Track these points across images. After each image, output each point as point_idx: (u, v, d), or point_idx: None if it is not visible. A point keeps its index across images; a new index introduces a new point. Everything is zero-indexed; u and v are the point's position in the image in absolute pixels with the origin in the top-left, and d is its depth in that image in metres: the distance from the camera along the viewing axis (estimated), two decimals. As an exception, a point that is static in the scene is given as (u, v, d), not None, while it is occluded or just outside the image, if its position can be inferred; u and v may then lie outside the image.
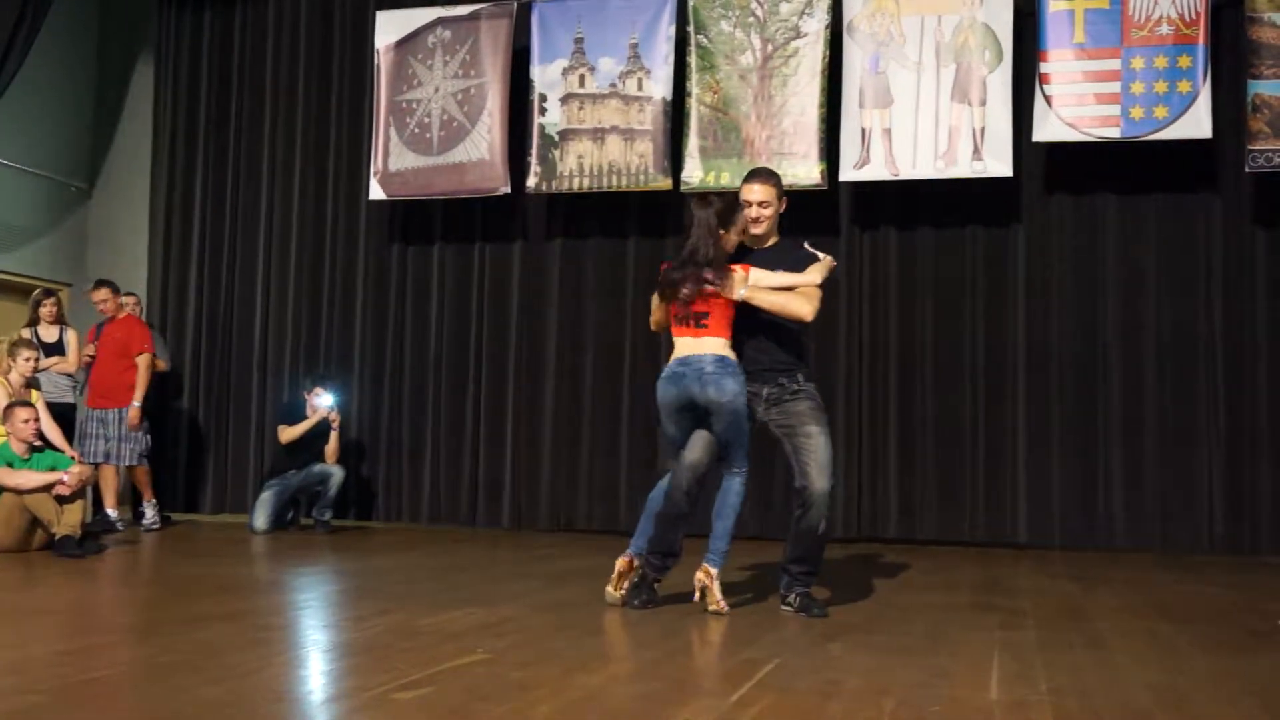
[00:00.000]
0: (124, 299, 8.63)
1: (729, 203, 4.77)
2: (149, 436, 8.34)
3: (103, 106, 10.29)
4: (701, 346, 4.63)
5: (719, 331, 4.65)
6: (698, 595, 4.60)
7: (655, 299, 4.88)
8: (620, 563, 4.80)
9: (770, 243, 4.85)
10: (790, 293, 4.67)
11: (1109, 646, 4.07)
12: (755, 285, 4.64)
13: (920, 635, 4.23)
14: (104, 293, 8.36)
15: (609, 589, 4.77)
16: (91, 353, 8.25)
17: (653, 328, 5.01)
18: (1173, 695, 3.28)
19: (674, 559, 4.83)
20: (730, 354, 4.64)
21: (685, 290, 4.64)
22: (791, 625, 4.40)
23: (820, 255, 4.79)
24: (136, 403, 8.14)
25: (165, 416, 9.12)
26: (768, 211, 4.77)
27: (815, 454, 4.64)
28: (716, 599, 4.57)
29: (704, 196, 4.93)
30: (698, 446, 4.69)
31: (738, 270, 4.65)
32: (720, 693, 3.21)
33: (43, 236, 9.81)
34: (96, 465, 8.07)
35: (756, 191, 4.77)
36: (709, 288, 4.60)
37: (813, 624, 4.42)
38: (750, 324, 4.71)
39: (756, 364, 4.72)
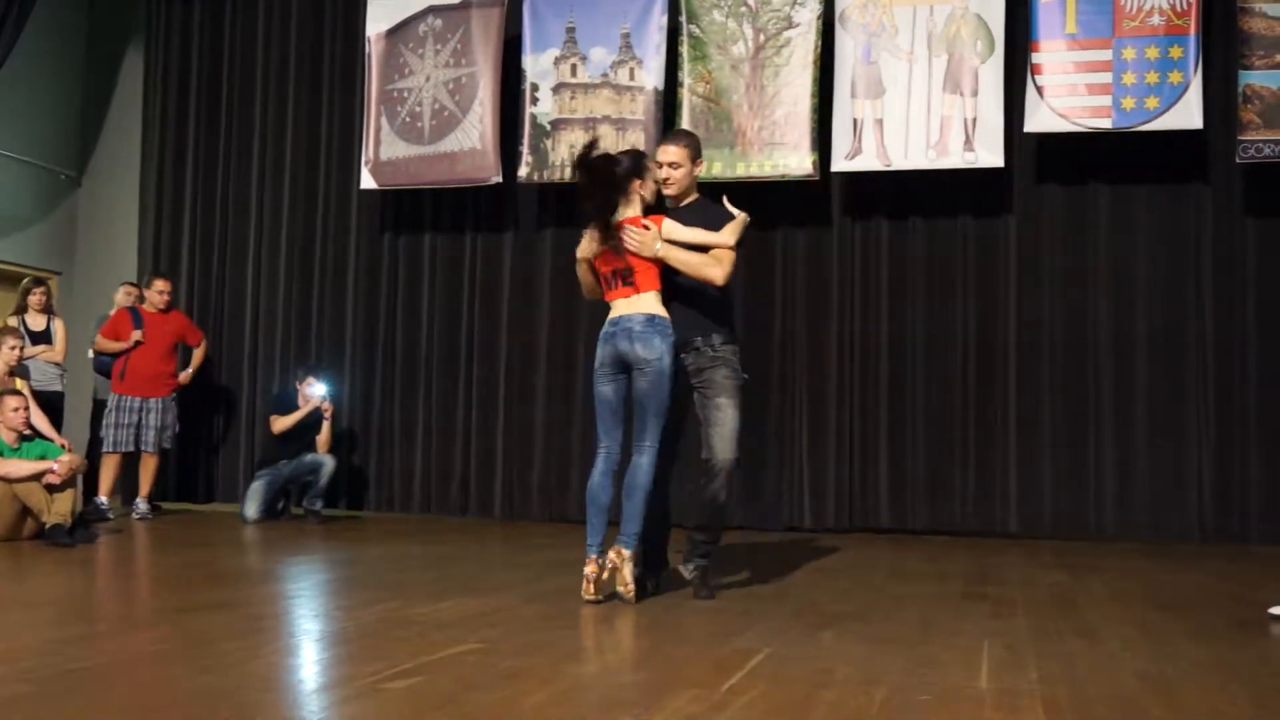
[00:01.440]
0: (129, 289, 8.71)
1: (636, 157, 4.81)
2: (179, 424, 8.50)
3: (92, 94, 10.25)
4: (633, 305, 4.63)
5: (649, 286, 4.64)
6: (606, 574, 4.52)
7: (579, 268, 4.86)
8: (589, 569, 4.56)
9: (688, 201, 4.92)
10: (703, 255, 4.69)
11: (1099, 635, 4.08)
12: (669, 242, 4.64)
13: (911, 624, 4.24)
14: (165, 284, 8.54)
15: (585, 596, 4.56)
16: (139, 338, 8.26)
17: (585, 294, 4.96)
18: (1162, 683, 3.29)
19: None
20: (662, 311, 4.62)
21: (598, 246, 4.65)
22: (782, 614, 4.41)
23: (736, 212, 4.80)
24: (190, 370, 8.65)
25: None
26: (678, 173, 4.84)
27: (721, 426, 4.69)
28: (626, 581, 4.49)
29: (610, 155, 4.82)
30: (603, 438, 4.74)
31: (651, 227, 4.64)
32: (712, 682, 3.21)
33: (32, 225, 9.77)
34: (100, 455, 8.12)
35: (669, 153, 4.86)
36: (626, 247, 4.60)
37: (803, 613, 4.43)
38: (668, 284, 4.71)
39: (673, 324, 4.68)
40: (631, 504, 4.58)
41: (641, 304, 4.63)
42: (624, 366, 4.63)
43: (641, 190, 4.73)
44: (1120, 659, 3.65)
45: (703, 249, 4.70)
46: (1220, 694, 3.21)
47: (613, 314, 4.69)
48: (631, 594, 4.51)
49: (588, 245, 4.74)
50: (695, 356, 4.77)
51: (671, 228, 4.69)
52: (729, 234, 4.72)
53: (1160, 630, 4.22)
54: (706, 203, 4.96)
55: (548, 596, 4.76)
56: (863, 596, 5.00)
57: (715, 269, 4.68)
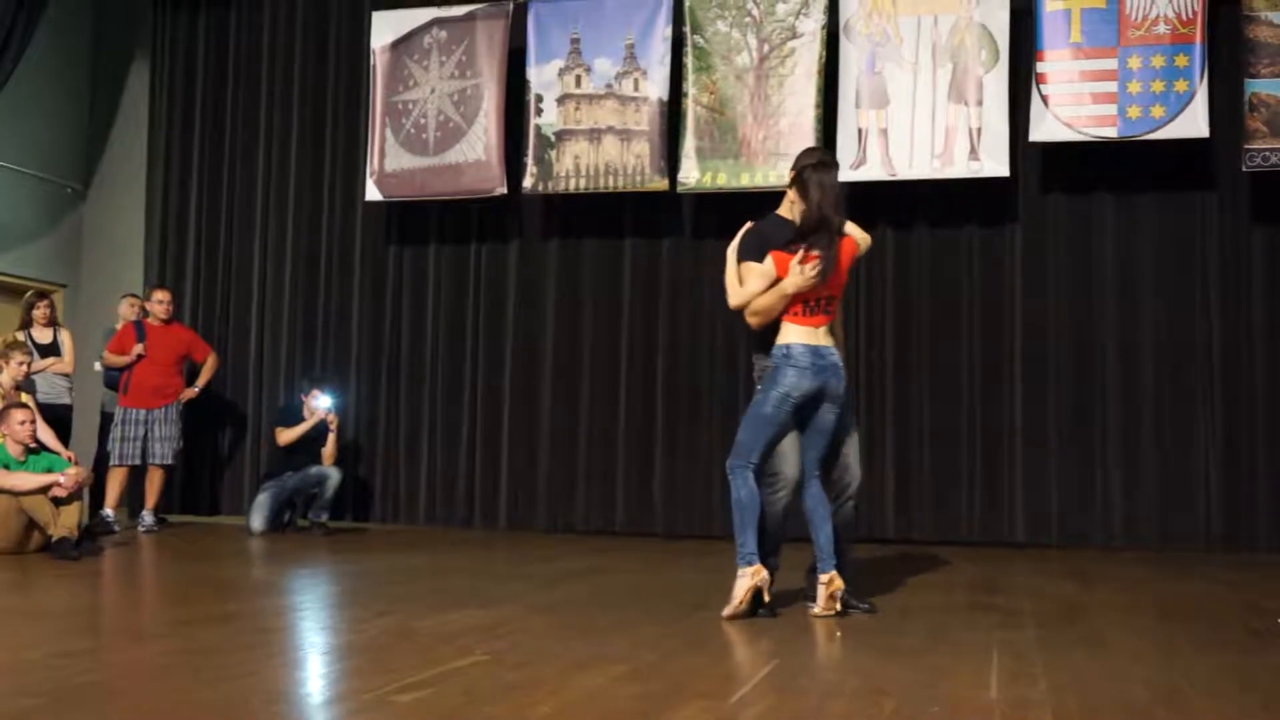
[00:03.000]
0: (132, 301, 8.75)
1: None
2: (183, 438, 8.49)
3: (98, 108, 10.27)
4: (824, 337, 4.54)
5: (835, 314, 4.62)
6: (839, 605, 4.51)
7: (761, 278, 4.50)
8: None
9: None
10: None
11: (1108, 645, 4.07)
12: None
13: (919, 635, 4.23)
14: (165, 295, 8.59)
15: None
16: (141, 351, 8.27)
17: (760, 324, 4.57)
18: (1171, 693, 3.28)
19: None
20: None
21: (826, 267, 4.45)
22: (791, 625, 4.39)
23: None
24: (199, 386, 8.58)
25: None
26: None
27: (854, 444, 4.78)
28: (837, 607, 4.53)
29: (818, 156, 4.72)
30: (792, 461, 4.64)
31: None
32: (720, 693, 3.20)
33: (38, 238, 9.79)
34: (107, 469, 8.13)
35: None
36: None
37: (811, 623, 4.42)
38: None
39: None
40: (829, 528, 4.59)
41: (830, 336, 4.57)
42: (818, 401, 4.52)
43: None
44: (1129, 669, 3.64)
45: None
46: (1231, 704, 3.19)
47: (810, 341, 4.49)
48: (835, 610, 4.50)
49: (802, 278, 4.44)
50: None
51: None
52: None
53: (1169, 640, 4.21)
54: None
55: (554, 608, 4.75)
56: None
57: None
